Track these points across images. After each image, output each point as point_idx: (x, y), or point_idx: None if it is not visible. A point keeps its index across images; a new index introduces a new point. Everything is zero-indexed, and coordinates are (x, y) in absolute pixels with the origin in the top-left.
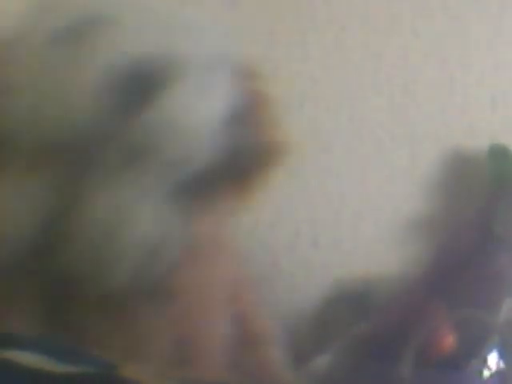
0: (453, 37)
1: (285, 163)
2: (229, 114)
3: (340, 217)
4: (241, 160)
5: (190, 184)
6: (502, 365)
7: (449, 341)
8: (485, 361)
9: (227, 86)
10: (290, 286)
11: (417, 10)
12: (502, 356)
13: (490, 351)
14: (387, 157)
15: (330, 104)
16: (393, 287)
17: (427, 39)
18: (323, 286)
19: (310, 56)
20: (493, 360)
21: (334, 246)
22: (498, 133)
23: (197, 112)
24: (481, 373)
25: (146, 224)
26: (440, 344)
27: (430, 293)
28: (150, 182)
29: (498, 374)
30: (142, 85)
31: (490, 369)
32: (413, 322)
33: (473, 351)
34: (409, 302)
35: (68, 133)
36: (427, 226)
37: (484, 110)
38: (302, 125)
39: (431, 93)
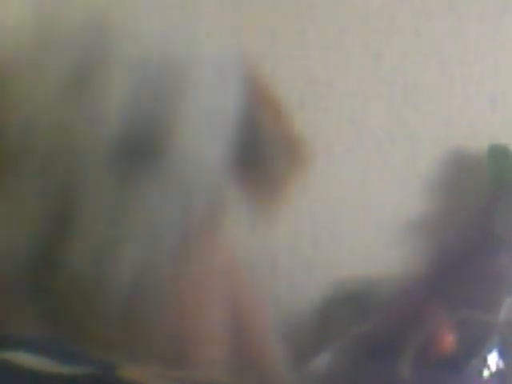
0: (453, 37)
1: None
2: (242, 115)
3: (340, 217)
4: (262, 160)
5: (199, 192)
6: (501, 365)
7: (449, 341)
8: (485, 361)
9: (238, 86)
10: (289, 285)
11: (417, 10)
12: (501, 356)
13: (490, 351)
14: (387, 157)
15: (329, 104)
16: (393, 287)
17: (427, 39)
18: (323, 285)
19: (310, 56)
20: (493, 360)
21: (334, 246)
22: (498, 133)
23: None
24: (481, 373)
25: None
26: (440, 344)
27: (430, 293)
28: (158, 193)
29: (498, 374)
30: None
31: (489, 369)
32: (413, 322)
33: (473, 351)
34: (409, 302)
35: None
36: (427, 226)
37: (484, 110)
38: (301, 125)
39: (431, 93)
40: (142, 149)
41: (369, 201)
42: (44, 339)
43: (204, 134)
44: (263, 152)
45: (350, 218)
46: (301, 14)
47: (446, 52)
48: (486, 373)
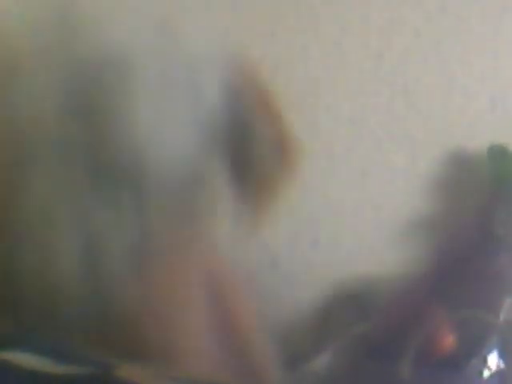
0: (453, 37)
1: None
2: (227, 116)
3: (340, 217)
4: (248, 168)
5: (167, 195)
6: (501, 365)
7: (449, 341)
8: (485, 361)
9: (221, 85)
10: (289, 285)
11: (417, 10)
12: (501, 356)
13: (490, 351)
14: (387, 157)
15: (329, 104)
16: (393, 287)
17: (427, 39)
18: (323, 286)
19: (310, 56)
20: (493, 360)
21: (334, 246)
22: (498, 133)
23: (181, 117)
24: (481, 373)
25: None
26: (440, 344)
27: (430, 293)
28: (119, 194)
29: (498, 374)
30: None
31: (489, 369)
32: (413, 322)
33: (473, 351)
34: (409, 302)
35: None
36: (427, 226)
37: (484, 110)
38: (302, 125)
39: (431, 93)
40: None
41: (369, 201)
42: (43, 339)
43: (173, 132)
44: (252, 152)
45: (350, 218)
46: (301, 14)
47: (446, 52)
48: (486, 373)
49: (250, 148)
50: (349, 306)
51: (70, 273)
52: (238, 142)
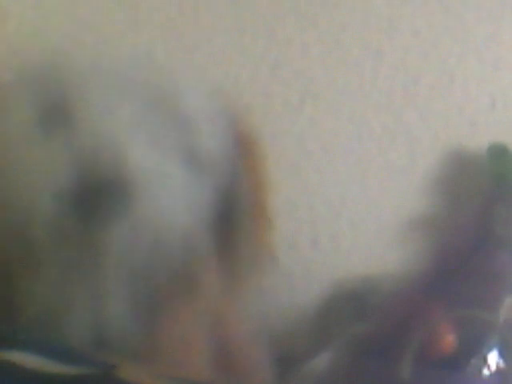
0: (453, 37)
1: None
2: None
3: (340, 217)
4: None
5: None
6: (502, 364)
7: (449, 340)
8: (485, 360)
9: (216, 174)
10: (289, 285)
11: (417, 10)
12: (502, 355)
13: (490, 351)
14: (387, 156)
15: (329, 104)
16: (393, 287)
17: (427, 39)
18: (323, 285)
19: (310, 56)
20: (493, 359)
21: (334, 246)
22: (498, 132)
23: (172, 216)
24: (481, 372)
25: (100, 316)
26: (440, 343)
27: (430, 292)
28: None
29: (498, 374)
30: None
31: (490, 368)
32: (413, 322)
33: (473, 351)
34: (409, 301)
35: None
36: (427, 226)
37: (484, 109)
38: (302, 125)
39: (431, 93)
40: (107, 193)
41: (369, 201)
42: (44, 339)
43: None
44: (236, 219)
45: (350, 218)
46: (301, 14)
47: (446, 52)
48: (486, 372)
49: (235, 215)
50: (349, 306)
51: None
52: (222, 207)
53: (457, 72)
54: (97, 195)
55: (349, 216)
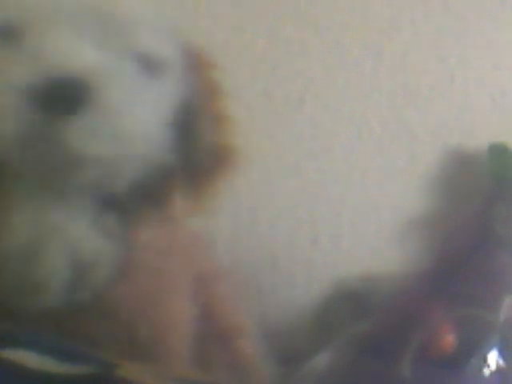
0: (453, 37)
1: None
2: (176, 113)
3: (340, 216)
4: (190, 163)
5: (126, 196)
6: (502, 364)
7: (449, 340)
8: (485, 360)
9: (172, 83)
10: (289, 285)
11: (417, 10)
12: (502, 355)
13: (490, 350)
14: (387, 156)
15: (329, 104)
16: (393, 287)
17: (427, 39)
18: (323, 285)
19: (310, 55)
20: (493, 359)
21: (334, 245)
22: (498, 132)
23: (132, 113)
24: (481, 371)
25: (75, 240)
26: (440, 343)
27: (430, 292)
28: (80, 198)
29: (498, 373)
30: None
31: (490, 367)
32: (413, 321)
33: (473, 350)
34: (409, 301)
35: None
36: (427, 226)
37: (484, 109)
38: (302, 125)
39: (431, 92)
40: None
41: (369, 200)
42: (44, 338)
43: (126, 134)
44: (193, 147)
45: (350, 218)
46: (301, 14)
47: (446, 52)
48: (486, 372)
49: (193, 144)
50: (349, 306)
51: (56, 275)
52: (184, 138)
53: (457, 72)
54: (58, 93)
55: (349, 216)
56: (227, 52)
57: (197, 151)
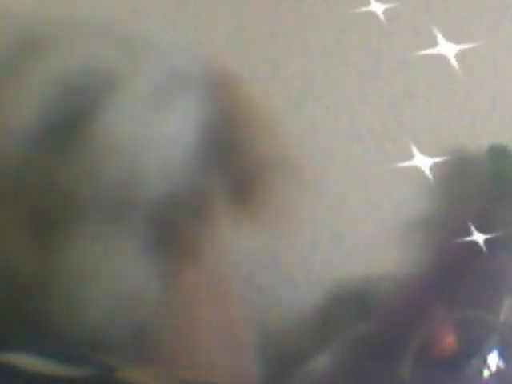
0: (453, 37)
1: (285, 176)
2: (202, 132)
3: (340, 217)
4: (235, 176)
5: (167, 228)
6: (502, 365)
7: (449, 341)
8: (485, 361)
9: (194, 101)
10: (289, 285)
11: (417, 10)
12: (502, 356)
13: (490, 351)
14: (387, 157)
15: (329, 104)
16: (393, 287)
17: (427, 39)
18: (323, 285)
19: (310, 56)
20: (493, 360)
21: (334, 246)
22: (498, 133)
23: (151, 132)
24: (481, 373)
25: (119, 276)
26: (440, 344)
27: (431, 293)
28: (126, 234)
29: (498, 374)
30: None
31: (490, 369)
32: (413, 322)
33: (473, 351)
34: (409, 302)
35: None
36: (427, 226)
37: (484, 109)
38: (301, 125)
39: (431, 93)
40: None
41: (369, 201)
42: (44, 340)
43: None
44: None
45: (350, 218)
46: (301, 14)
47: (446, 52)
48: (486, 373)
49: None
50: (349, 306)
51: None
52: (221, 156)
53: (457, 72)
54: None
55: (349, 216)
56: (227, 52)
57: (242, 164)
